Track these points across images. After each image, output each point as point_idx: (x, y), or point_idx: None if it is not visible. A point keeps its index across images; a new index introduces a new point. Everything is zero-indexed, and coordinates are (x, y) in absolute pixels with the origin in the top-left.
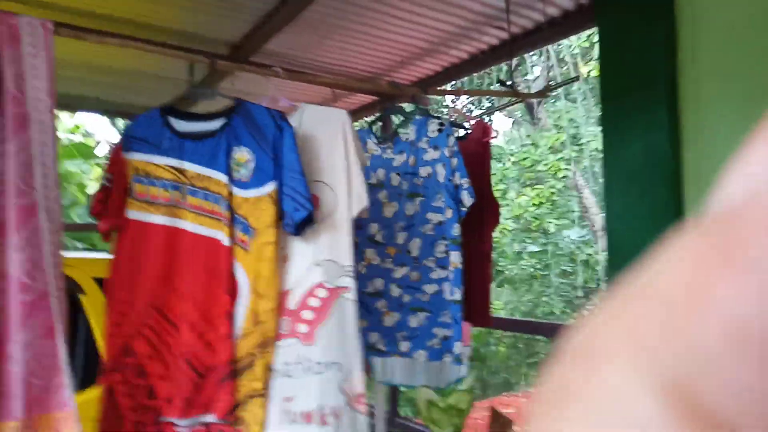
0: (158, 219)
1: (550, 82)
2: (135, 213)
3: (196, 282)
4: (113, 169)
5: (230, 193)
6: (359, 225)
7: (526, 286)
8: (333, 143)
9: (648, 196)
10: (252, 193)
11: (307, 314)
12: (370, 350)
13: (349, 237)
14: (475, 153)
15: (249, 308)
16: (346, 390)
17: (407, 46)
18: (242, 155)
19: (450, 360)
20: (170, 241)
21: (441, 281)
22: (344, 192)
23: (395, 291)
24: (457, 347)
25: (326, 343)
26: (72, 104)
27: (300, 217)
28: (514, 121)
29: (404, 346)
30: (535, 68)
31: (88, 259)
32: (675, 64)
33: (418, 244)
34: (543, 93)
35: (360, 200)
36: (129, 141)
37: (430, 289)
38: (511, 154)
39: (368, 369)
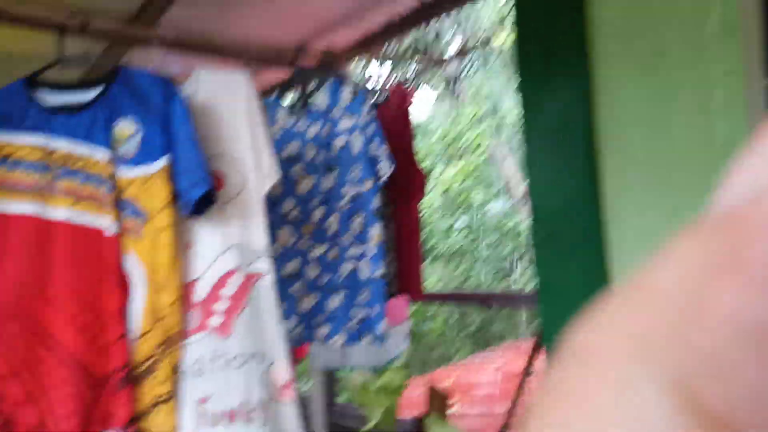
0: (23, 208)
1: (464, 47)
2: None
3: (78, 280)
4: None
5: (113, 173)
6: (272, 203)
7: (456, 260)
8: (235, 111)
9: (566, 158)
10: (140, 171)
11: (219, 305)
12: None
13: (262, 216)
14: (395, 121)
15: (146, 304)
16: (271, 381)
17: (319, 14)
18: (125, 128)
19: (371, 341)
20: (40, 235)
21: (359, 258)
22: (252, 166)
23: (312, 272)
24: (381, 326)
25: (244, 333)
26: None
27: (197, 195)
28: (437, 97)
29: (322, 331)
30: (452, 38)
31: None
32: (584, 27)
33: (336, 220)
34: (456, 57)
35: (271, 174)
36: None
37: (346, 267)
38: (434, 130)
39: (301, 354)
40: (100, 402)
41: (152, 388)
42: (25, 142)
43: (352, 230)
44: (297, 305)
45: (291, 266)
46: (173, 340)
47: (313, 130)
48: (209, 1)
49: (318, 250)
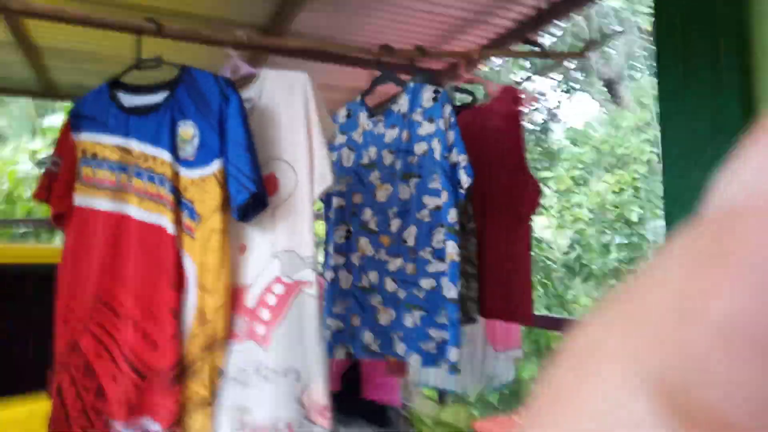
0: (104, 204)
1: (592, 36)
2: (81, 198)
3: (140, 274)
4: (61, 152)
5: (176, 174)
6: (353, 211)
7: (612, 280)
8: (294, 114)
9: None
10: (197, 173)
11: (264, 313)
12: (364, 351)
13: (311, 223)
14: (502, 124)
15: (196, 305)
16: (305, 401)
17: (446, 18)
18: (187, 130)
19: (446, 368)
20: (116, 229)
21: (438, 275)
22: (305, 170)
23: (390, 285)
24: (453, 354)
25: (282, 347)
26: None
27: (242, 200)
28: (599, 103)
29: (400, 347)
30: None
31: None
32: (746, 12)
33: (414, 233)
34: (581, 53)
35: (323, 179)
36: (77, 120)
37: (426, 284)
38: (589, 138)
39: (401, 370)
40: (147, 394)
41: (195, 391)
42: (108, 142)
43: (432, 245)
44: (376, 319)
45: (370, 277)
46: (217, 345)
47: (391, 134)
48: (335, 6)
49: (396, 263)
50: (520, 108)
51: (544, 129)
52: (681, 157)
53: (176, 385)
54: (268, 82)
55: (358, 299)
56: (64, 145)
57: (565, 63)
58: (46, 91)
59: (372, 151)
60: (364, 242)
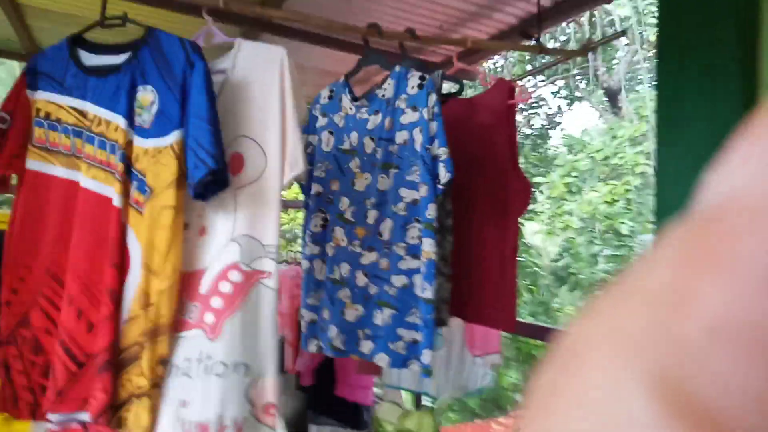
0: (57, 171)
1: (592, 39)
2: (33, 162)
3: (82, 248)
4: (11, 108)
5: (129, 142)
6: (330, 198)
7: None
8: (268, 91)
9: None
10: (152, 142)
11: (215, 301)
12: (330, 348)
13: (277, 210)
14: (494, 118)
15: (138, 286)
16: (253, 397)
17: (447, 9)
18: (146, 96)
19: (418, 369)
20: (68, 198)
21: (411, 272)
22: (276, 153)
23: (361, 280)
24: (426, 356)
25: (233, 339)
26: None
27: (199, 176)
28: (599, 114)
29: (366, 346)
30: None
31: None
32: (754, 16)
33: (390, 226)
34: (582, 51)
35: (295, 165)
36: (33, 77)
37: (398, 281)
38: (585, 146)
39: (373, 369)
40: (81, 382)
41: (134, 379)
42: (64, 102)
43: (406, 240)
44: (342, 314)
45: (341, 270)
46: (160, 330)
47: (374, 121)
48: None
49: (369, 257)
50: (514, 102)
51: (542, 134)
52: (675, 171)
53: (107, 372)
54: (243, 54)
55: (329, 292)
56: (15, 101)
57: (570, 71)
58: (31, 53)
59: (353, 136)
60: (339, 232)
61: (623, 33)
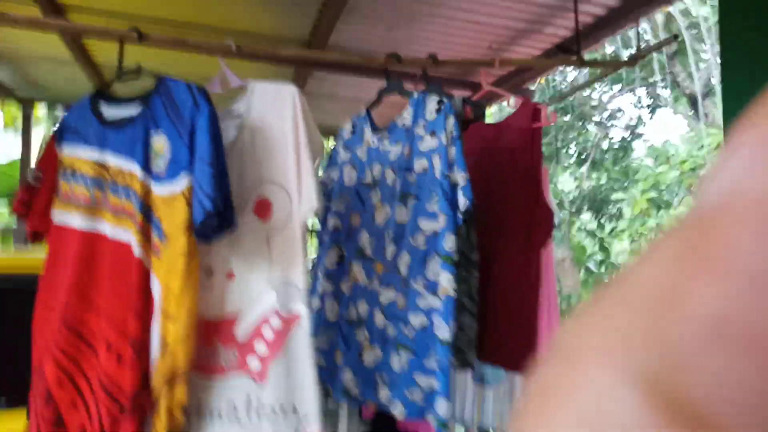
0: (77, 222)
1: (641, 47)
2: (58, 215)
3: (111, 297)
4: (43, 165)
5: (147, 190)
6: (349, 233)
7: None
8: (284, 131)
9: None
10: (167, 189)
11: (260, 347)
12: (343, 394)
13: (305, 251)
14: (519, 142)
15: (160, 332)
16: None
17: (495, 28)
18: (160, 143)
19: (434, 423)
20: (88, 248)
21: (431, 312)
22: (297, 193)
23: (379, 320)
24: (441, 407)
25: (279, 382)
26: None
27: (199, 220)
28: (686, 120)
29: (383, 393)
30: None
31: None
32: None
33: (407, 260)
34: (630, 62)
35: (309, 202)
36: (61, 132)
37: (416, 320)
38: (668, 157)
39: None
40: (115, 427)
41: (155, 428)
42: (86, 156)
43: (425, 275)
44: (360, 357)
45: (359, 309)
46: (177, 376)
47: (395, 151)
48: (374, 19)
49: (387, 295)
50: (539, 125)
51: (623, 147)
52: None
53: (131, 420)
54: (257, 97)
55: (344, 333)
56: (47, 158)
57: (649, 78)
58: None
59: (376, 169)
60: (357, 268)
61: (675, 38)
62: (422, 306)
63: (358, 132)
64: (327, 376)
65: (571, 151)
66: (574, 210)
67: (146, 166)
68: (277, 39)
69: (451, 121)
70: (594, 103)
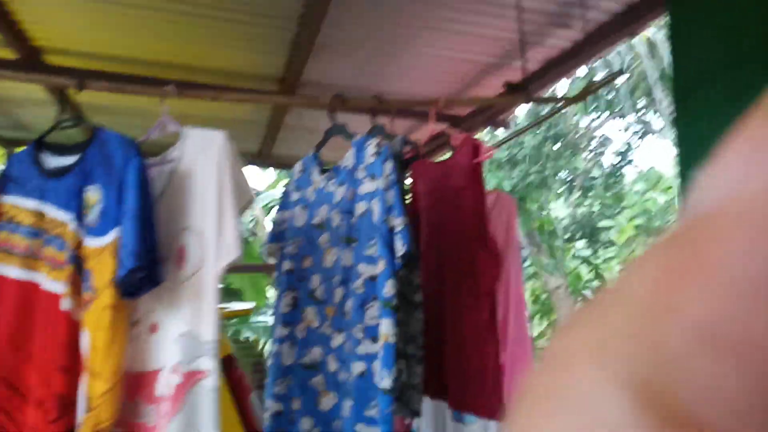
0: (13, 272)
1: (592, 82)
2: None
3: (42, 348)
4: None
5: (79, 242)
6: (302, 276)
7: None
8: (207, 178)
9: None
10: (97, 242)
11: (164, 404)
12: None
13: (215, 302)
14: (462, 181)
15: (86, 389)
16: None
17: (468, 64)
18: (93, 195)
19: None
20: (24, 298)
21: (370, 358)
22: (213, 241)
23: (332, 365)
24: None
25: None
26: None
27: (120, 274)
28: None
29: None
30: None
31: None
32: None
33: (350, 305)
34: (580, 96)
35: (228, 252)
36: (3, 181)
37: (356, 368)
38: (655, 183)
39: None
40: None
41: None
42: (25, 205)
43: (364, 321)
44: (317, 403)
45: (314, 354)
46: None
47: (339, 193)
48: (346, 56)
49: (338, 339)
50: (479, 160)
51: (613, 173)
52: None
53: None
54: (189, 142)
55: (300, 379)
56: None
57: (635, 105)
58: None
59: (323, 210)
60: (310, 312)
61: (620, 72)
62: (361, 353)
63: (306, 172)
64: (286, 423)
65: (561, 178)
66: (567, 237)
67: (79, 217)
68: (251, 77)
69: (389, 165)
70: (582, 131)
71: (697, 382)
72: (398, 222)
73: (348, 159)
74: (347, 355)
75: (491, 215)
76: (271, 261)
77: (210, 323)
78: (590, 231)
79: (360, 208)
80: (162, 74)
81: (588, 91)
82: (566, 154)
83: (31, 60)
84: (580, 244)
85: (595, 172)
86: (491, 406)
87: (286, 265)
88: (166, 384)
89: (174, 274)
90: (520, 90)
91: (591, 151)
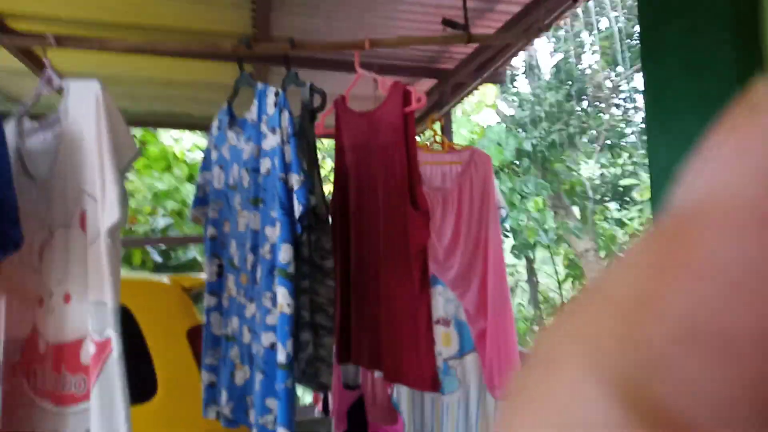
0: None
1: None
2: None
3: None
4: None
5: None
6: (222, 243)
7: None
8: (91, 133)
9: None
10: None
11: (89, 373)
12: (221, 416)
13: (111, 266)
14: (393, 132)
15: None
16: None
17: (445, 9)
18: None
19: None
20: None
21: (276, 330)
22: (100, 202)
23: (246, 336)
24: None
25: (102, 412)
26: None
27: None
28: None
29: (252, 416)
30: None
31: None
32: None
33: (261, 272)
34: (531, 34)
35: (111, 213)
36: None
37: (266, 339)
38: None
39: (389, 417)
40: None
41: None
42: None
43: (272, 289)
44: (232, 377)
45: (233, 324)
46: None
47: (248, 149)
48: (315, 9)
49: (251, 309)
50: (411, 109)
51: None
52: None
53: None
54: (71, 97)
55: (223, 350)
56: None
57: None
58: None
59: (234, 169)
60: (231, 280)
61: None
62: (270, 323)
63: (222, 128)
64: (218, 395)
65: (591, 136)
66: (597, 198)
67: None
68: (219, 34)
69: (286, 115)
70: (609, 85)
71: (679, 378)
72: (296, 180)
73: (252, 111)
74: (257, 325)
75: (466, 173)
76: (200, 226)
77: (111, 289)
78: (622, 191)
79: (264, 164)
80: (125, 36)
81: (539, 29)
82: (592, 111)
83: None
84: (613, 205)
85: (626, 129)
86: (424, 376)
87: (210, 230)
88: (86, 353)
89: (79, 240)
90: (459, 28)
91: (619, 107)
